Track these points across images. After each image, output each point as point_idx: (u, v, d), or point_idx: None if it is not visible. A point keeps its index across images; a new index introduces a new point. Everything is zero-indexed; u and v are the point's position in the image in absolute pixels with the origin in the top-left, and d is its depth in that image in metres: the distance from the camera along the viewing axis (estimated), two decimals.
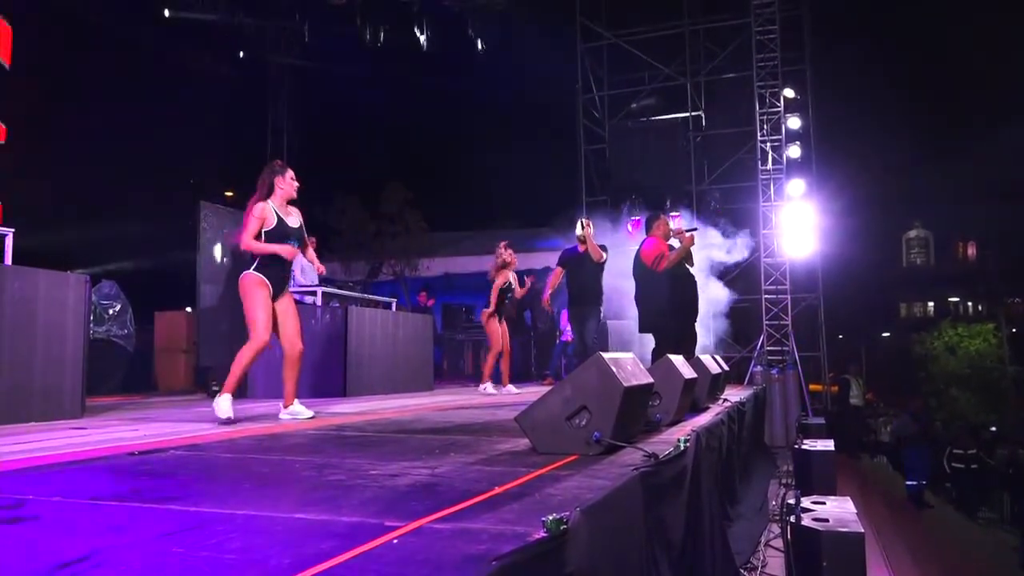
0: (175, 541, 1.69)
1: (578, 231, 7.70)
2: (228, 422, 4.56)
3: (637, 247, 7.20)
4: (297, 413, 5.00)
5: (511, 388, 8.47)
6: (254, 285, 4.83)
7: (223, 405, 4.64)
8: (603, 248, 7.77)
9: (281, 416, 5.02)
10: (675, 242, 7.17)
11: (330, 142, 16.94)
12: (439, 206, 16.88)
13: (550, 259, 15.10)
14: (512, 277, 8.30)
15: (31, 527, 1.85)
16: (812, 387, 14.34)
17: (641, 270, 6.85)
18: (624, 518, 2.29)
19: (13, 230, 5.18)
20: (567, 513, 1.72)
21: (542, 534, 1.61)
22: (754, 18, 14.04)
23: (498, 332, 8.25)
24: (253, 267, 4.87)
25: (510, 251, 8.34)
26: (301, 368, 5.14)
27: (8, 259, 4.98)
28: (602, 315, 7.76)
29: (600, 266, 7.57)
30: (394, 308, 9.64)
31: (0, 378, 4.64)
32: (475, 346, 15.44)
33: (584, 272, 7.60)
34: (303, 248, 5.19)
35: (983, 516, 13.57)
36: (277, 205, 4.97)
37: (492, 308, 8.11)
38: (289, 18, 13.92)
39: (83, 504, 2.13)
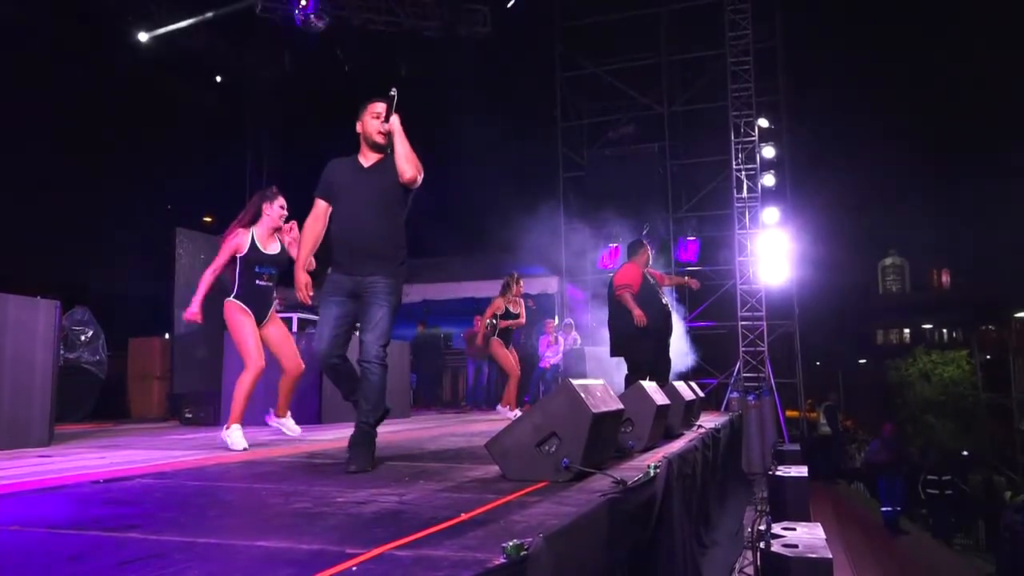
0: (131, 570, 1.67)
1: (373, 122, 3.79)
2: (244, 452, 4.54)
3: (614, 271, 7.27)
4: (285, 425, 5.28)
5: (505, 411, 8.58)
6: (234, 313, 4.86)
7: (235, 436, 4.60)
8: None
9: (270, 421, 5.28)
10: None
11: (309, 167, 16.94)
12: (418, 232, 16.86)
13: (529, 286, 15.16)
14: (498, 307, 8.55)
15: None
16: (788, 413, 14.42)
17: (612, 292, 6.89)
18: (590, 544, 2.29)
19: None
20: (529, 539, 1.72)
21: (502, 560, 1.61)
22: (729, 49, 14.31)
23: (509, 357, 8.55)
24: (233, 294, 4.90)
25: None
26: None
27: None
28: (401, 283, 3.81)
29: (407, 195, 3.84)
30: None
31: None
32: (453, 373, 15.36)
33: (372, 205, 3.77)
34: (278, 276, 5.19)
35: (959, 542, 13.65)
36: (259, 232, 4.96)
37: (482, 329, 8.34)
38: (268, 43, 13.98)
39: (41, 534, 2.10)
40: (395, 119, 3.73)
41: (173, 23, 12.49)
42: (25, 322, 4.98)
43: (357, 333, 3.79)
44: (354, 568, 1.62)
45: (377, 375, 3.59)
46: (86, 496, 2.79)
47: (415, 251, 17.23)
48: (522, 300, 8.86)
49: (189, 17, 12.60)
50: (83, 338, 9.06)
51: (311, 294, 3.92)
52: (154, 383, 10.03)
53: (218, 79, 14.39)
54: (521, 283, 8.89)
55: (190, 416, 7.79)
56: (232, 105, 15.21)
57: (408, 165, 3.70)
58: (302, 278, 3.93)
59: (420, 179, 3.76)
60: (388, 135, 3.75)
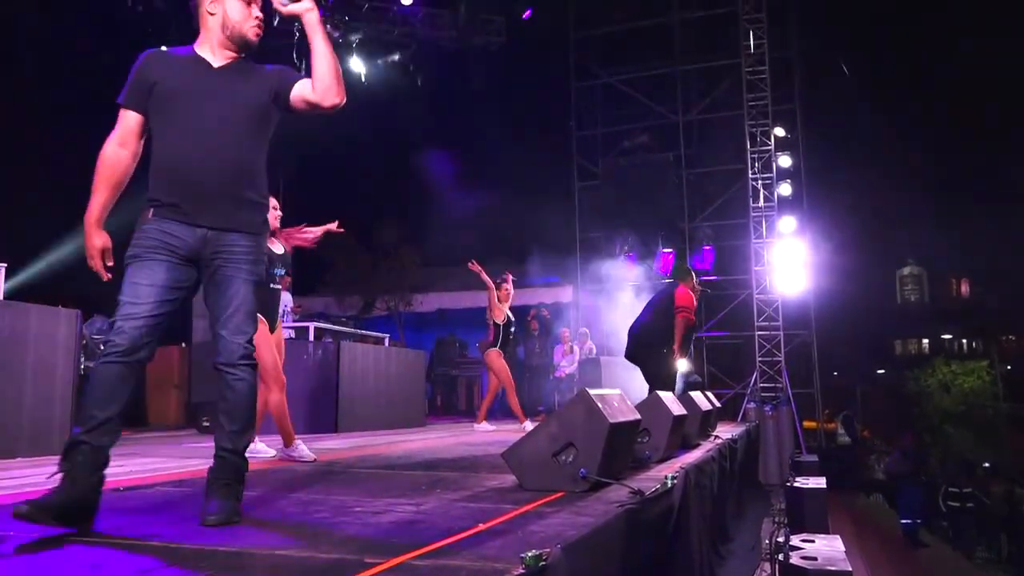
0: None
1: (241, 8, 2.54)
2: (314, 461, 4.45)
3: (670, 283, 7.20)
4: (258, 453, 4.71)
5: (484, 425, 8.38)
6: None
7: (302, 449, 4.55)
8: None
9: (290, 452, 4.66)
10: None
11: (325, 176, 17.02)
12: (432, 241, 16.92)
13: (544, 295, 15.16)
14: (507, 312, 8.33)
15: (9, 563, 1.84)
16: (806, 424, 14.32)
17: (666, 305, 6.83)
18: (607, 555, 2.28)
19: (6, 265, 5.22)
20: (547, 550, 1.72)
21: (520, 571, 1.61)
22: (744, 59, 14.29)
23: (505, 369, 8.23)
24: None
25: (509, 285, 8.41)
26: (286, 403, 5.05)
27: (0, 294, 5.00)
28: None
29: (276, 116, 2.63)
30: (387, 343, 9.64)
31: None
32: (468, 382, 15.38)
33: (231, 123, 2.48)
34: (287, 274, 5.17)
35: (980, 555, 13.44)
36: None
37: (492, 341, 8.15)
38: (282, 52, 14.08)
39: (63, 541, 2.12)
40: (310, 5, 2.47)
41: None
42: (47, 332, 5.05)
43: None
44: None
45: (246, 382, 2.47)
46: (106, 503, 2.81)
47: (430, 261, 17.28)
48: (502, 303, 8.41)
49: None
50: (103, 347, 9.13)
51: (110, 263, 2.53)
52: (172, 391, 10.10)
53: None
54: (505, 287, 8.44)
55: (207, 424, 7.84)
56: None
57: (338, 84, 2.50)
58: (96, 240, 2.51)
59: (339, 102, 2.53)
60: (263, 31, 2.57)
